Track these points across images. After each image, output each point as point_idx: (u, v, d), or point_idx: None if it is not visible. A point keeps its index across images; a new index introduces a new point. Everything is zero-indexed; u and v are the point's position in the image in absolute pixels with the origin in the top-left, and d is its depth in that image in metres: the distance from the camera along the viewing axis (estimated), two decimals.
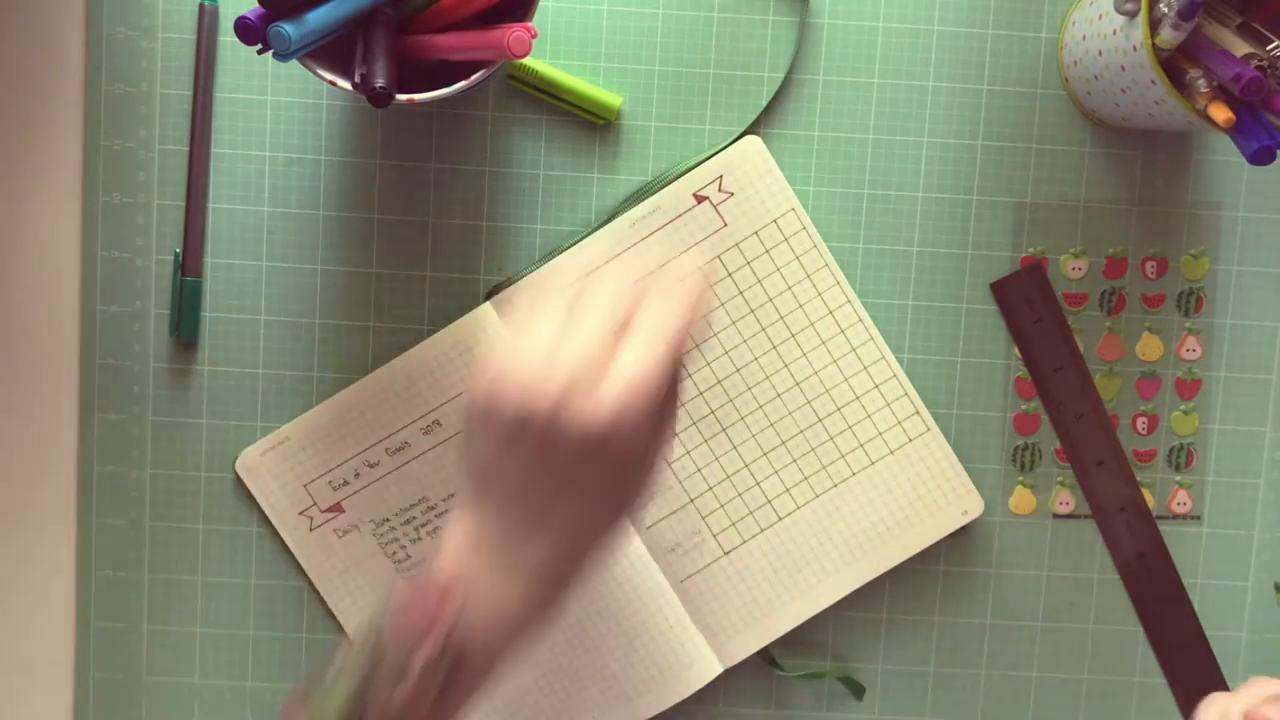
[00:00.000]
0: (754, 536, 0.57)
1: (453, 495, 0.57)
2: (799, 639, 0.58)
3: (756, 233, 0.56)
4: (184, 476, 0.57)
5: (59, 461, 0.57)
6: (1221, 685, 0.58)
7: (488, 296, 0.56)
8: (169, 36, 0.55)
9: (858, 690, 0.58)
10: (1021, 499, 0.58)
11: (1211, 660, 0.58)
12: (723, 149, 0.56)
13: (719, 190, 0.56)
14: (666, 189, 0.55)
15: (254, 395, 0.57)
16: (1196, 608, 0.58)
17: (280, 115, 0.56)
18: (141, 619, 0.58)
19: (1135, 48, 0.47)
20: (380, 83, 0.45)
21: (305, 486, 0.56)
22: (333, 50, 0.49)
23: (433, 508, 0.57)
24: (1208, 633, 0.58)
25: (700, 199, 0.56)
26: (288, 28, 0.44)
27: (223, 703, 0.58)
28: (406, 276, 0.57)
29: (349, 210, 0.56)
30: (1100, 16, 0.50)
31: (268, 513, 0.57)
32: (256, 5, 0.45)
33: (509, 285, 0.56)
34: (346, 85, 0.47)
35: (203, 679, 0.58)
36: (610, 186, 0.56)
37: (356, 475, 0.57)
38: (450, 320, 0.56)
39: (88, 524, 0.57)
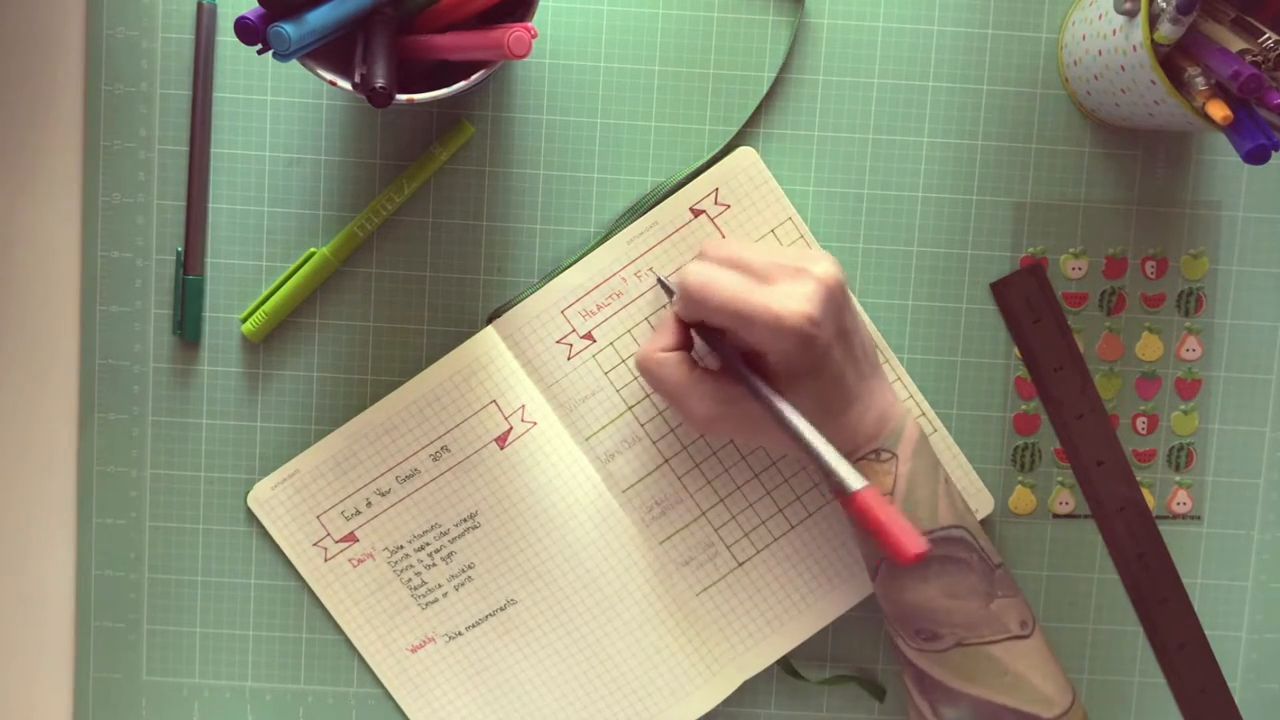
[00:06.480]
0: (767, 546, 0.57)
1: (464, 520, 0.56)
2: (812, 643, 0.58)
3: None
4: (184, 476, 0.57)
5: (59, 461, 0.57)
6: (1221, 685, 0.58)
7: (489, 320, 0.56)
8: (168, 36, 0.55)
9: (879, 693, 0.58)
10: (1021, 499, 0.58)
11: (1211, 660, 0.58)
12: (718, 156, 0.56)
13: (715, 203, 0.55)
14: (663, 204, 0.55)
15: (254, 395, 0.57)
16: (1196, 608, 0.58)
17: (280, 115, 0.56)
18: (141, 619, 0.58)
19: (1135, 47, 0.47)
20: (380, 83, 0.45)
21: (318, 517, 0.56)
22: (333, 50, 0.49)
23: (445, 533, 0.56)
24: (1208, 633, 0.58)
25: (697, 213, 0.55)
26: (288, 28, 0.44)
27: (223, 703, 0.58)
28: (406, 276, 0.57)
29: (349, 210, 0.56)
30: (1100, 16, 0.50)
31: (282, 546, 0.57)
32: (256, 5, 0.45)
33: (510, 308, 0.56)
34: (346, 85, 0.47)
35: (202, 679, 0.58)
36: (610, 186, 0.56)
37: (369, 504, 0.56)
38: (448, 320, 0.56)
39: (88, 524, 0.57)
